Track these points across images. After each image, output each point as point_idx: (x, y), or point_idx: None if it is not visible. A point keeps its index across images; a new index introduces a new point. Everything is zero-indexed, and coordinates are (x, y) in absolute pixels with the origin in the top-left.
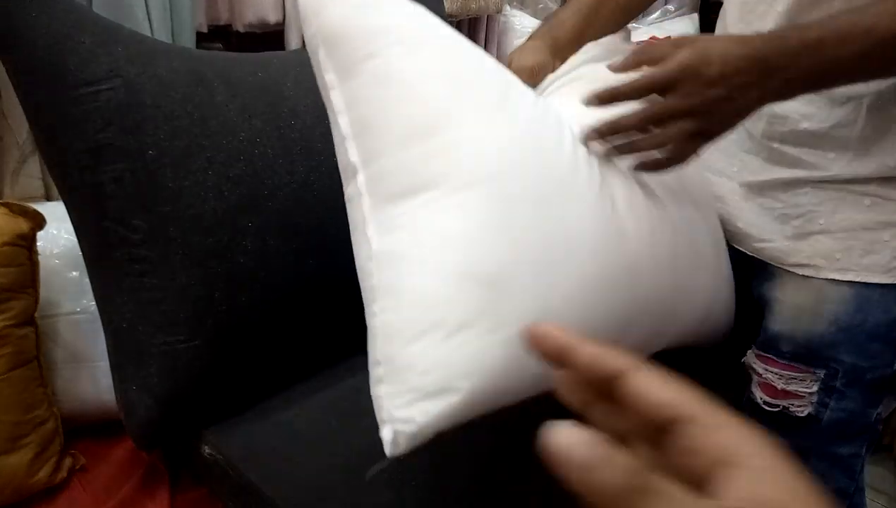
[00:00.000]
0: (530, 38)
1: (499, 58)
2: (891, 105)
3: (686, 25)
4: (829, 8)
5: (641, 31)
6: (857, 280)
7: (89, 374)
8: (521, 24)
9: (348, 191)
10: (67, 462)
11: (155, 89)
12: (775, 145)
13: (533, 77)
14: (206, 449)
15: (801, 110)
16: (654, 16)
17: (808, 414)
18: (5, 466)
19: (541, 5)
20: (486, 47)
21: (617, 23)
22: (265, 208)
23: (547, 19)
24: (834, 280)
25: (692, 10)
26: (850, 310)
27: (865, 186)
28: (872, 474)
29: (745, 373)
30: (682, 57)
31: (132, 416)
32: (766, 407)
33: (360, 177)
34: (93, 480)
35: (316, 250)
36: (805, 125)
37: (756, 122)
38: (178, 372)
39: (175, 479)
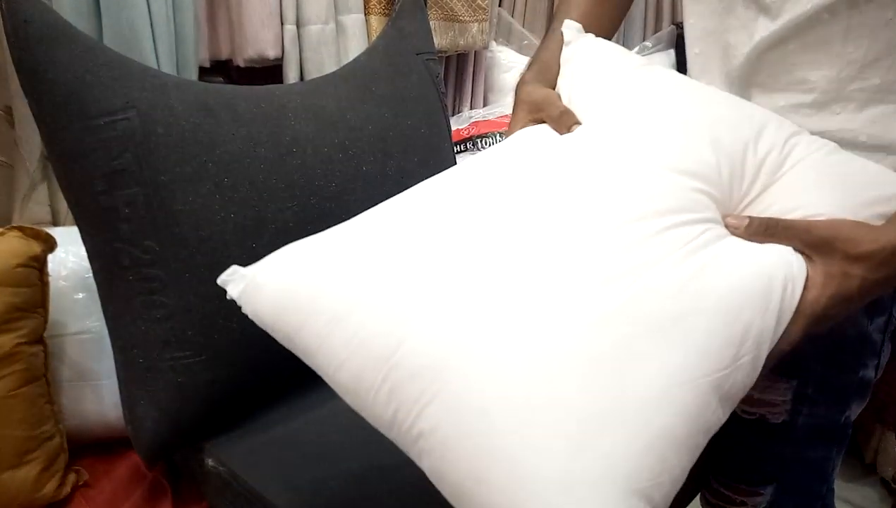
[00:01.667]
0: (527, 84)
1: (485, 90)
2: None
3: (663, 60)
4: (783, 51)
5: None
6: None
7: (94, 392)
8: (507, 60)
9: None
10: (72, 477)
11: (167, 119)
12: None
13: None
14: (210, 462)
15: None
16: (633, 51)
17: (783, 420)
18: (13, 480)
19: (525, 42)
20: (473, 81)
21: None
22: (269, 230)
23: (532, 63)
24: None
25: (669, 47)
26: None
27: None
28: (857, 493)
29: None
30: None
31: (140, 430)
32: (745, 415)
33: None
34: (96, 496)
35: None
36: None
37: None
38: (184, 387)
39: (177, 494)
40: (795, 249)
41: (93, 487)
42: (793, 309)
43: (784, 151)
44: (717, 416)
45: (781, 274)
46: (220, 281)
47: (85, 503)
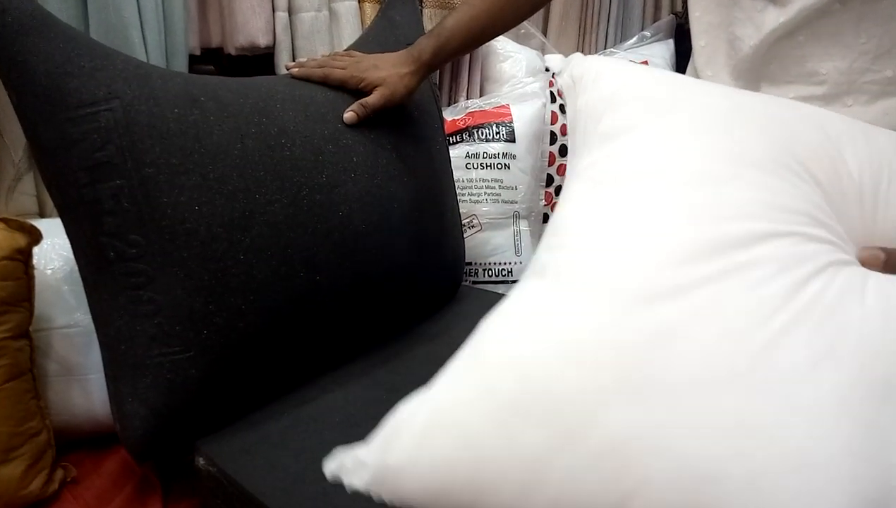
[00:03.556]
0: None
1: (482, 80)
2: None
3: (662, 51)
4: (792, 43)
5: (619, 56)
6: None
7: (81, 387)
8: (504, 49)
9: None
10: (59, 474)
11: (151, 110)
12: None
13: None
14: (200, 461)
15: None
16: (632, 41)
17: None
18: None
19: (522, 30)
20: (469, 69)
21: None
22: (257, 223)
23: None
24: None
25: (668, 36)
26: None
27: None
28: None
29: None
30: None
31: (128, 428)
32: None
33: None
34: (84, 492)
35: (306, 263)
36: None
37: None
38: (173, 384)
39: (167, 491)
40: None
41: (81, 483)
42: None
43: (874, 163)
44: None
45: None
46: (330, 474)
47: (73, 500)
